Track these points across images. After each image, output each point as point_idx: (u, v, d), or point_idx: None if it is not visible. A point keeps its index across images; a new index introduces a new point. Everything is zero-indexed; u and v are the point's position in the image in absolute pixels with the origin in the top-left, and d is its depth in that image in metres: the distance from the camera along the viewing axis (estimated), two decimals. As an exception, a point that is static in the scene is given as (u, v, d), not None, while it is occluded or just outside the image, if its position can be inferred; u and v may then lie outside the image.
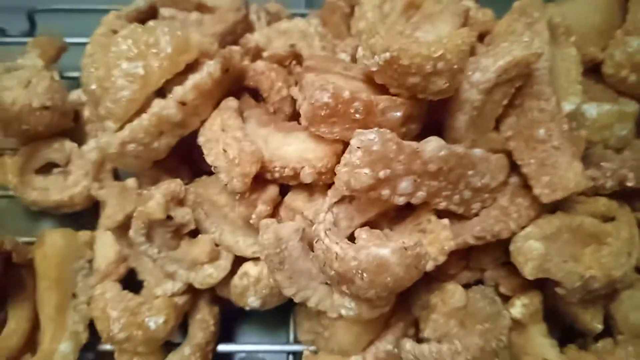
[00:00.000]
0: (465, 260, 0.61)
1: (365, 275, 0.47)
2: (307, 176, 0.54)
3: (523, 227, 0.56)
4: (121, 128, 0.55)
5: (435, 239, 0.54)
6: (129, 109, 0.53)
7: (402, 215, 0.57)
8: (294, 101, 0.62)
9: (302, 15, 0.93)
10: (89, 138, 0.68)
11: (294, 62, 0.65)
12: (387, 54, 0.50)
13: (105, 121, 0.55)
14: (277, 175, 0.55)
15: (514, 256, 0.55)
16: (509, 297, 0.60)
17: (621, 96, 0.65)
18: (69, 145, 0.70)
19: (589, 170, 0.60)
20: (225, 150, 0.53)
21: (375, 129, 0.49)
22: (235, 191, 0.54)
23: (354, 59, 0.66)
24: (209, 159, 0.55)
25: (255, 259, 0.60)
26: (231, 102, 0.57)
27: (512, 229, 0.56)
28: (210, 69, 0.55)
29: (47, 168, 0.72)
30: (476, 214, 0.57)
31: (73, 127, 0.72)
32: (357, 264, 0.47)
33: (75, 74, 0.83)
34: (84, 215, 0.72)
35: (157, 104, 0.53)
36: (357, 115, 0.52)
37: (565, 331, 0.65)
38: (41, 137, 0.69)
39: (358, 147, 0.49)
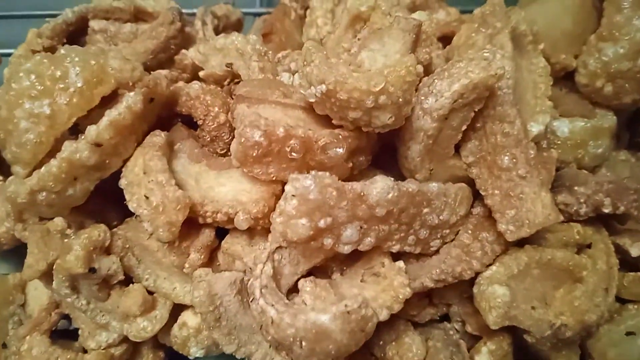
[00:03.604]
0: (427, 297, 0.56)
1: (304, 343, 0.42)
2: (241, 222, 0.48)
3: (488, 265, 0.51)
4: (31, 173, 0.48)
5: (390, 286, 0.48)
6: (36, 153, 0.47)
7: (354, 256, 0.51)
8: (233, 128, 0.55)
9: (258, 15, 0.87)
10: (13, 171, 0.62)
11: (234, 81, 0.58)
12: (323, 87, 0.43)
13: (13, 166, 0.48)
14: (209, 220, 0.49)
15: (477, 301, 0.50)
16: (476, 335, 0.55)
17: (596, 107, 0.59)
18: (1, 178, 0.63)
19: (561, 195, 0.54)
20: (147, 197, 0.47)
21: (313, 173, 0.43)
22: (162, 241, 0.48)
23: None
24: (130, 205, 0.48)
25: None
26: (156, 138, 0.51)
27: (475, 268, 0.50)
28: (129, 102, 0.48)
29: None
30: (436, 251, 0.52)
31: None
32: (294, 331, 0.41)
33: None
34: (16, 252, 0.66)
35: (68, 147, 0.46)
36: (295, 154, 0.46)
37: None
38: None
39: (293, 195, 0.43)
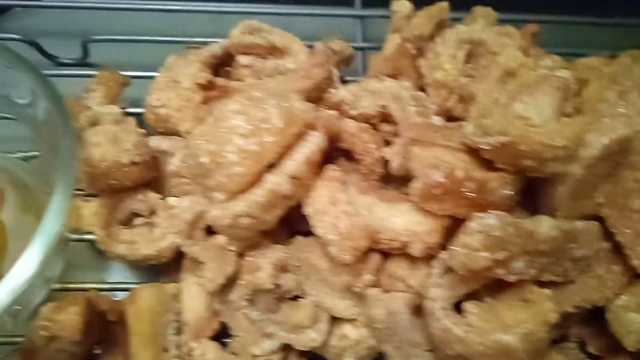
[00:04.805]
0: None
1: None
2: (417, 250, 0.55)
3: (616, 294, 0.59)
4: (229, 200, 0.55)
5: (540, 311, 0.55)
6: (241, 184, 0.54)
7: (504, 283, 0.58)
8: (385, 162, 0.63)
9: (360, 49, 0.94)
10: (175, 191, 0.68)
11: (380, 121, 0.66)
12: (504, 138, 0.51)
13: (213, 192, 0.55)
14: (383, 246, 0.56)
15: (613, 327, 0.57)
16: (595, 355, 0.63)
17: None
18: (152, 196, 0.69)
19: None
20: (335, 225, 0.54)
21: (495, 212, 0.50)
22: (344, 263, 0.55)
23: (442, 114, 0.66)
24: (318, 231, 0.55)
25: (352, 321, 0.61)
26: (335, 173, 0.58)
27: (607, 296, 0.58)
28: (318, 140, 0.56)
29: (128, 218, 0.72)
30: (572, 281, 0.59)
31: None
32: (483, 348, 0.49)
33: (134, 110, 0.81)
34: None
35: (271, 180, 0.53)
36: (469, 194, 0.53)
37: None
38: (126, 190, 0.68)
39: (479, 231, 0.50)
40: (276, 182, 0.53)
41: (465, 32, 0.75)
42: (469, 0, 0.89)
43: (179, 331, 0.67)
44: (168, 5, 0.95)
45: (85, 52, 0.93)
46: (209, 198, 0.57)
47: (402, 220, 0.56)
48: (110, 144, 0.64)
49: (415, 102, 0.62)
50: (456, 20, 0.86)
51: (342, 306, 0.60)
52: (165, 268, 0.73)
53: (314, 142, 0.55)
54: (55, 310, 0.58)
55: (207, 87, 0.68)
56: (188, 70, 0.70)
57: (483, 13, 0.87)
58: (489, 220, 0.50)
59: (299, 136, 0.56)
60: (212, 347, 0.62)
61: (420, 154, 0.55)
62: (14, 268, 0.53)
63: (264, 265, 0.56)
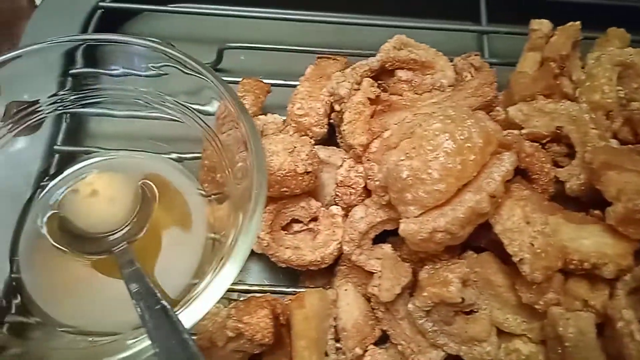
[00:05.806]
0: None
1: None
2: (609, 273, 0.56)
3: None
4: (421, 215, 0.57)
5: None
6: (439, 200, 0.55)
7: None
8: (558, 182, 0.64)
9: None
10: (339, 200, 0.70)
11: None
12: None
13: (408, 206, 0.57)
14: (572, 267, 0.58)
15: None
16: None
17: None
18: (314, 204, 0.72)
19: None
20: (532, 244, 0.56)
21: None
22: (535, 282, 0.57)
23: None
24: (511, 249, 0.57)
25: (520, 336, 0.62)
26: (525, 192, 0.59)
27: None
28: (512, 160, 0.57)
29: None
30: None
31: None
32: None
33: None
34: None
35: (472, 198, 0.55)
36: (670, 221, 0.54)
37: None
38: (291, 197, 0.71)
39: (686, 259, 0.51)
40: (476, 200, 0.55)
41: (618, 54, 0.76)
42: (592, 19, 0.90)
43: (335, 336, 0.69)
44: (296, 15, 0.98)
45: (220, 58, 0.96)
46: (400, 211, 0.59)
47: (592, 243, 0.57)
48: (288, 153, 0.67)
49: (595, 125, 0.64)
50: (588, 39, 0.87)
51: (514, 321, 0.62)
52: (309, 273, 0.75)
53: (509, 162, 0.57)
54: (244, 313, 0.60)
55: (373, 101, 0.70)
56: (354, 84, 0.71)
57: (618, 35, 0.88)
58: (698, 249, 0.51)
59: (493, 155, 0.58)
60: (381, 355, 0.64)
61: (617, 178, 0.56)
62: (214, 282, 0.54)
63: (453, 279, 0.58)
